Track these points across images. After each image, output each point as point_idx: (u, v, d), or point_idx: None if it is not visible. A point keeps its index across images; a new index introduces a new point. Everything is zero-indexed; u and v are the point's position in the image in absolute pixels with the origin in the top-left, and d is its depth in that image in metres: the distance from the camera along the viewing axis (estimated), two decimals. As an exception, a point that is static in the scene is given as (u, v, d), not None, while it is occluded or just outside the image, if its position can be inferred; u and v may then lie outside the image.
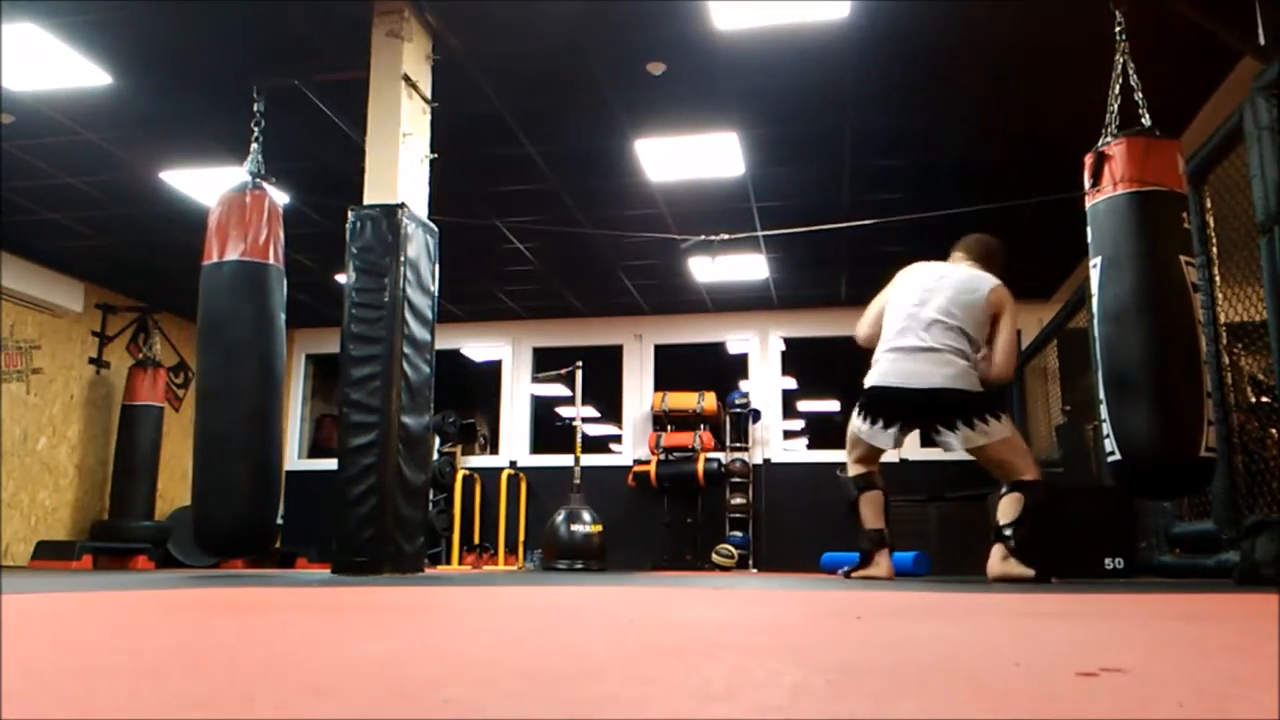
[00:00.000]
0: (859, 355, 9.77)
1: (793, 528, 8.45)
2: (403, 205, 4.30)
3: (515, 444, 9.35)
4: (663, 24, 4.55)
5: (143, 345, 8.73)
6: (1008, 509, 4.02)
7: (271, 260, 4.23)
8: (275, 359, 4.21)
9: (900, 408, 4.10)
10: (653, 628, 1.38)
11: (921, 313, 4.13)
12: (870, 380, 4.18)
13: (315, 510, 8.65)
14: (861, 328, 4.42)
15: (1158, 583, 3.80)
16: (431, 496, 7.66)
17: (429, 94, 4.64)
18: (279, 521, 4.19)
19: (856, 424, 4.21)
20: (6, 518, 7.47)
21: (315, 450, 9.99)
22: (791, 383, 10.52)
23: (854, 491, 4.20)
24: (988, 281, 4.20)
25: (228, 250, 4.17)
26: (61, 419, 8.10)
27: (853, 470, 4.25)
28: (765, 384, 9.11)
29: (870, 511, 4.18)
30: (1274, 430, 3.78)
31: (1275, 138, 3.30)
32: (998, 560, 3.97)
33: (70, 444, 8.19)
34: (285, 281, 4.35)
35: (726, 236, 5.91)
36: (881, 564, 4.14)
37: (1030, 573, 3.86)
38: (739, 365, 9.42)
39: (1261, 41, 3.66)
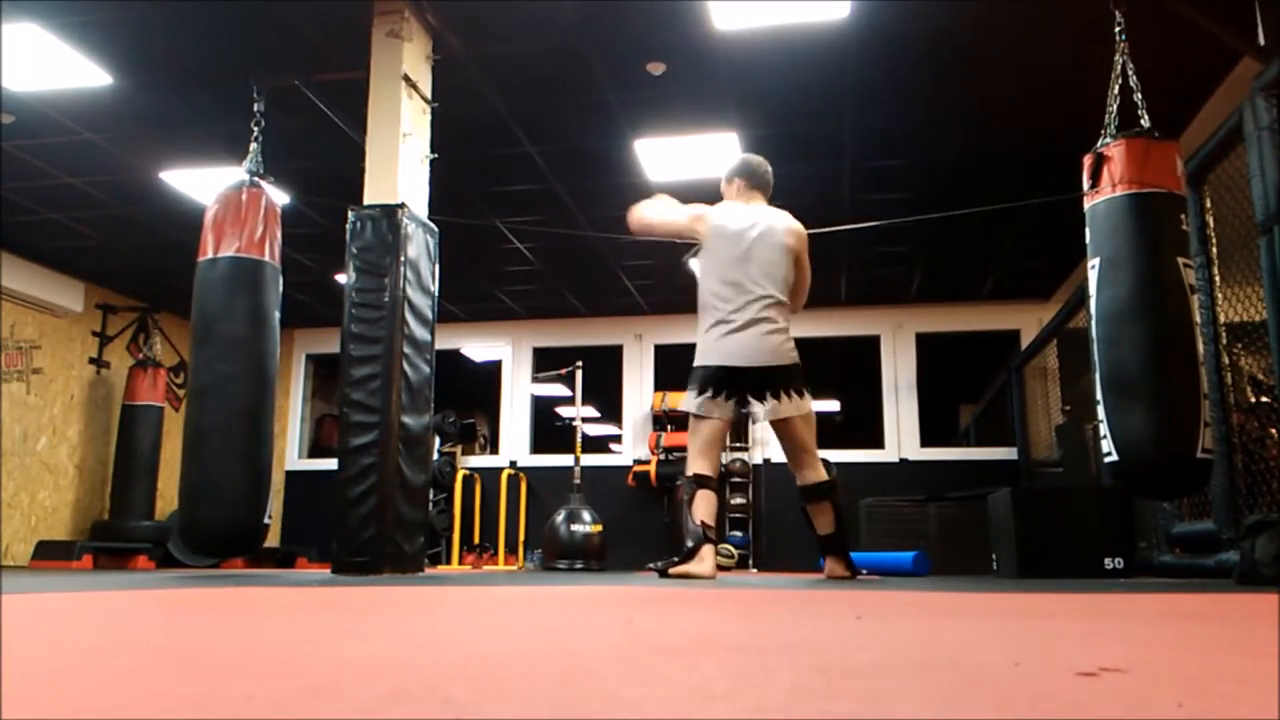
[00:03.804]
0: (858, 355, 9.71)
1: (793, 528, 8.42)
2: (403, 205, 4.30)
3: (515, 444, 9.35)
4: (663, 24, 4.55)
5: (143, 345, 8.73)
6: (828, 520, 4.12)
7: (267, 257, 4.22)
8: (268, 357, 4.19)
9: (737, 383, 4.03)
10: (653, 627, 1.38)
11: (746, 277, 4.06)
12: (709, 360, 4.05)
13: (315, 510, 8.65)
14: (653, 217, 4.25)
15: (1158, 583, 3.80)
16: (431, 496, 7.66)
17: (429, 94, 4.64)
18: (266, 521, 4.14)
19: (693, 401, 4.04)
20: (6, 518, 7.47)
21: (315, 450, 9.99)
22: (791, 383, 10.52)
23: (690, 491, 4.00)
24: (786, 222, 4.19)
25: (223, 247, 4.15)
26: (61, 419, 8.10)
27: (694, 466, 4.04)
28: (765, 384, 9.10)
29: (705, 505, 3.99)
30: (1274, 430, 3.78)
31: (1275, 138, 3.31)
32: (839, 570, 4.11)
33: (70, 444, 8.19)
34: (281, 279, 4.34)
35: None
36: (707, 561, 3.92)
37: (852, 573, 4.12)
38: (739, 365, 9.41)
39: (1261, 41, 3.67)
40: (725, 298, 4.07)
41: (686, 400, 4.13)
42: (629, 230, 4.45)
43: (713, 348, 4.07)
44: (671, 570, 3.97)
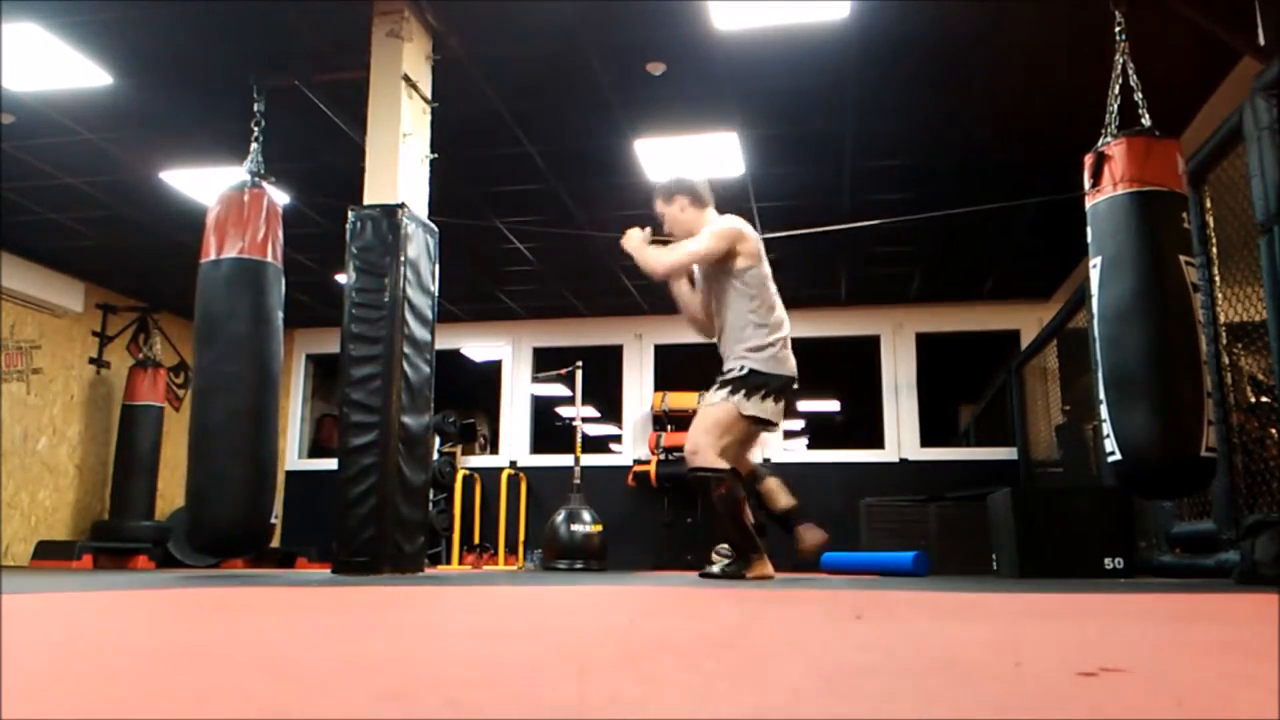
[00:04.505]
0: (858, 355, 9.68)
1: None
2: (403, 205, 4.30)
3: (515, 444, 9.35)
4: (663, 24, 4.55)
5: (143, 345, 8.73)
6: (784, 492, 4.29)
7: (269, 258, 4.22)
8: (272, 357, 4.20)
9: (791, 394, 4.24)
10: (653, 627, 1.38)
11: (777, 292, 4.29)
12: (783, 370, 4.15)
13: (315, 510, 8.65)
14: (689, 257, 4.34)
15: (1158, 583, 3.80)
16: (431, 496, 7.66)
17: (429, 94, 4.64)
18: (273, 521, 4.15)
19: (770, 407, 4.06)
20: (6, 518, 7.47)
21: (315, 450, 9.99)
22: (791, 383, 10.51)
23: (738, 490, 3.99)
24: None
25: (225, 248, 4.16)
26: (61, 419, 8.10)
27: (723, 463, 3.98)
28: (765, 384, 9.10)
29: (750, 508, 4.10)
30: (1274, 430, 3.78)
31: (1275, 138, 3.30)
32: (816, 535, 4.17)
33: (70, 444, 8.19)
34: (283, 280, 4.34)
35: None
36: (768, 563, 4.05)
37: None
38: (739, 365, 9.40)
39: (1261, 41, 3.66)
40: (779, 313, 4.22)
41: (752, 405, 4.03)
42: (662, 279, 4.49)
43: (782, 360, 4.18)
44: (749, 574, 4.03)
